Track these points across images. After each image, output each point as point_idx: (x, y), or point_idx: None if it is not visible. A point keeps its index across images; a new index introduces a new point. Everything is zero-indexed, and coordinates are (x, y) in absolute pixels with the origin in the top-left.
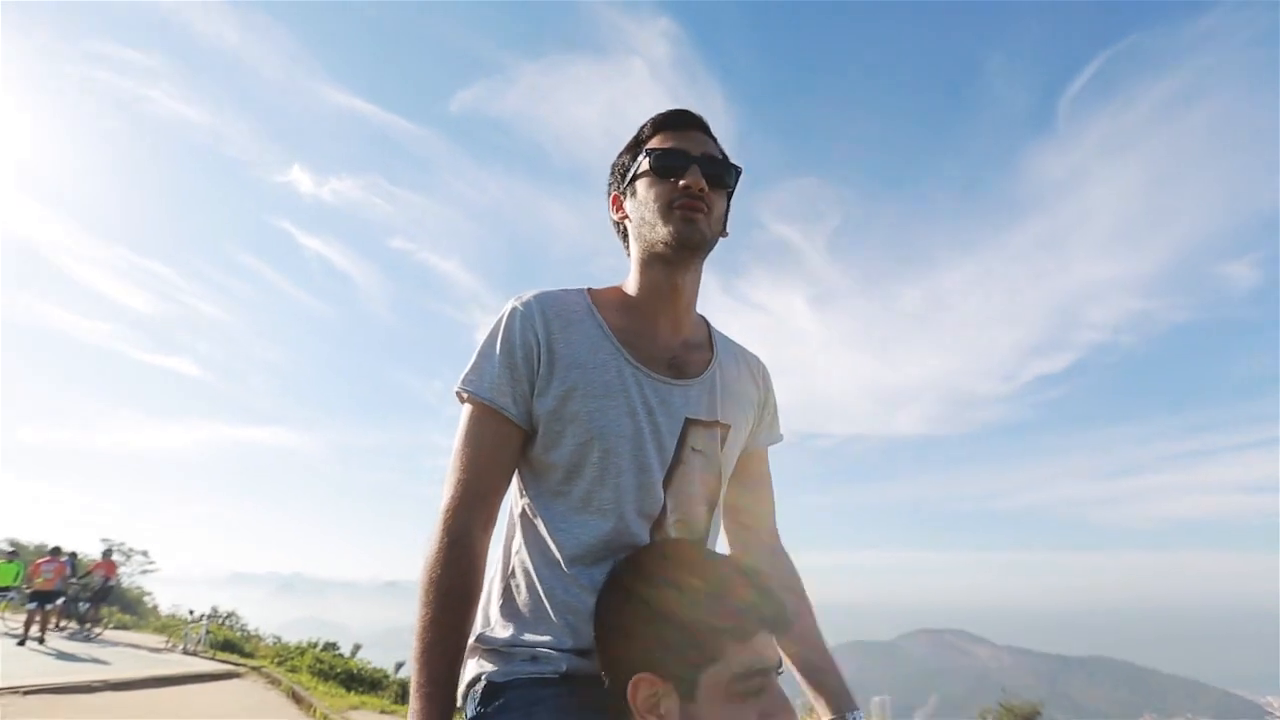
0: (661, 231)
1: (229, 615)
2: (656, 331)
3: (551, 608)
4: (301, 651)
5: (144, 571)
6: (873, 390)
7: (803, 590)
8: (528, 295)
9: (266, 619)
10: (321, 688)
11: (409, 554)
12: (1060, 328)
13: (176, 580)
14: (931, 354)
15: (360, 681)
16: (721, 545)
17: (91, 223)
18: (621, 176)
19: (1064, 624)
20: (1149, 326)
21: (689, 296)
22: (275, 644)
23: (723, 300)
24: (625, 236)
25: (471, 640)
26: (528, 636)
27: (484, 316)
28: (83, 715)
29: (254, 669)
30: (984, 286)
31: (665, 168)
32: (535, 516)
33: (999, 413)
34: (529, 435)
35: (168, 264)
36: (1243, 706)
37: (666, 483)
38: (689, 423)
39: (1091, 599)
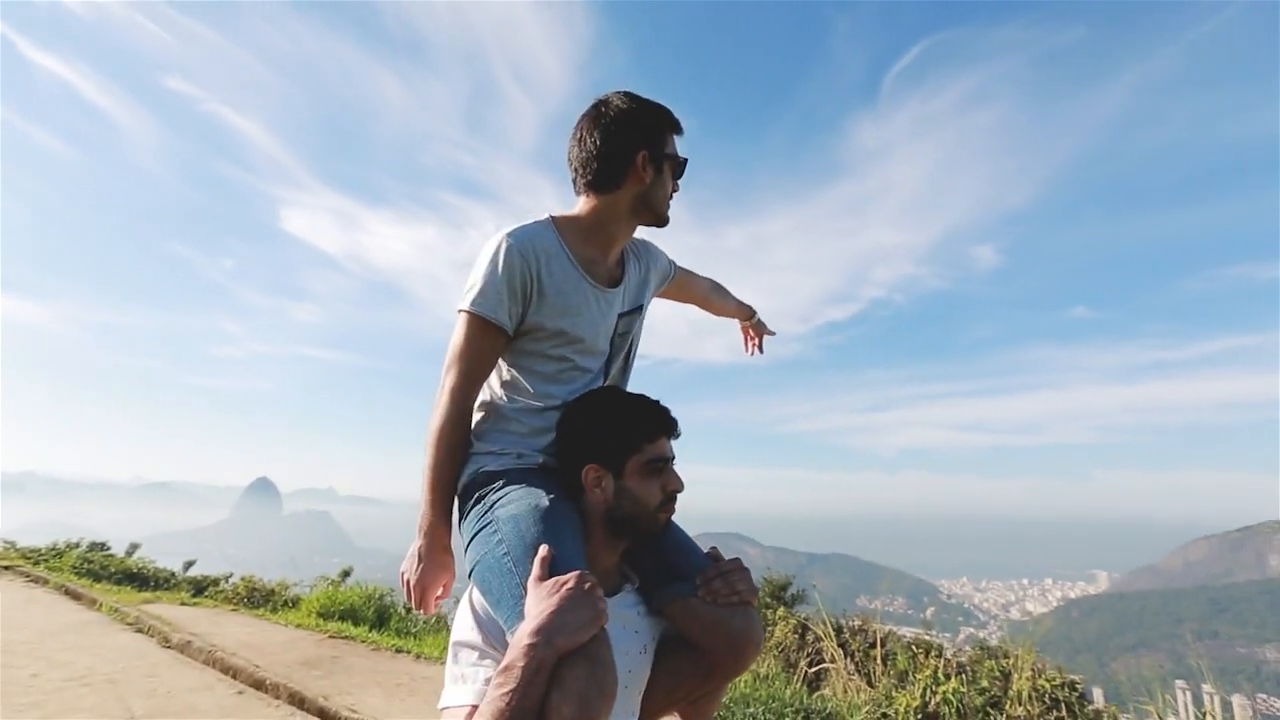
0: (661, 211)
1: None
2: (607, 257)
3: (528, 428)
4: (58, 553)
5: None
6: (689, 318)
7: (720, 284)
8: (516, 231)
9: None
10: (98, 587)
11: (185, 453)
12: (851, 282)
13: None
14: (744, 291)
15: (143, 581)
16: (635, 379)
17: None
18: (657, 146)
19: (814, 528)
20: (915, 289)
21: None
22: (7, 548)
23: None
24: (621, 175)
25: (469, 452)
26: (512, 443)
27: (296, 194)
28: None
29: (3, 568)
30: (798, 236)
31: (680, 173)
32: (519, 373)
33: (793, 350)
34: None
35: None
36: (926, 588)
37: (606, 364)
38: (619, 316)
39: (837, 509)
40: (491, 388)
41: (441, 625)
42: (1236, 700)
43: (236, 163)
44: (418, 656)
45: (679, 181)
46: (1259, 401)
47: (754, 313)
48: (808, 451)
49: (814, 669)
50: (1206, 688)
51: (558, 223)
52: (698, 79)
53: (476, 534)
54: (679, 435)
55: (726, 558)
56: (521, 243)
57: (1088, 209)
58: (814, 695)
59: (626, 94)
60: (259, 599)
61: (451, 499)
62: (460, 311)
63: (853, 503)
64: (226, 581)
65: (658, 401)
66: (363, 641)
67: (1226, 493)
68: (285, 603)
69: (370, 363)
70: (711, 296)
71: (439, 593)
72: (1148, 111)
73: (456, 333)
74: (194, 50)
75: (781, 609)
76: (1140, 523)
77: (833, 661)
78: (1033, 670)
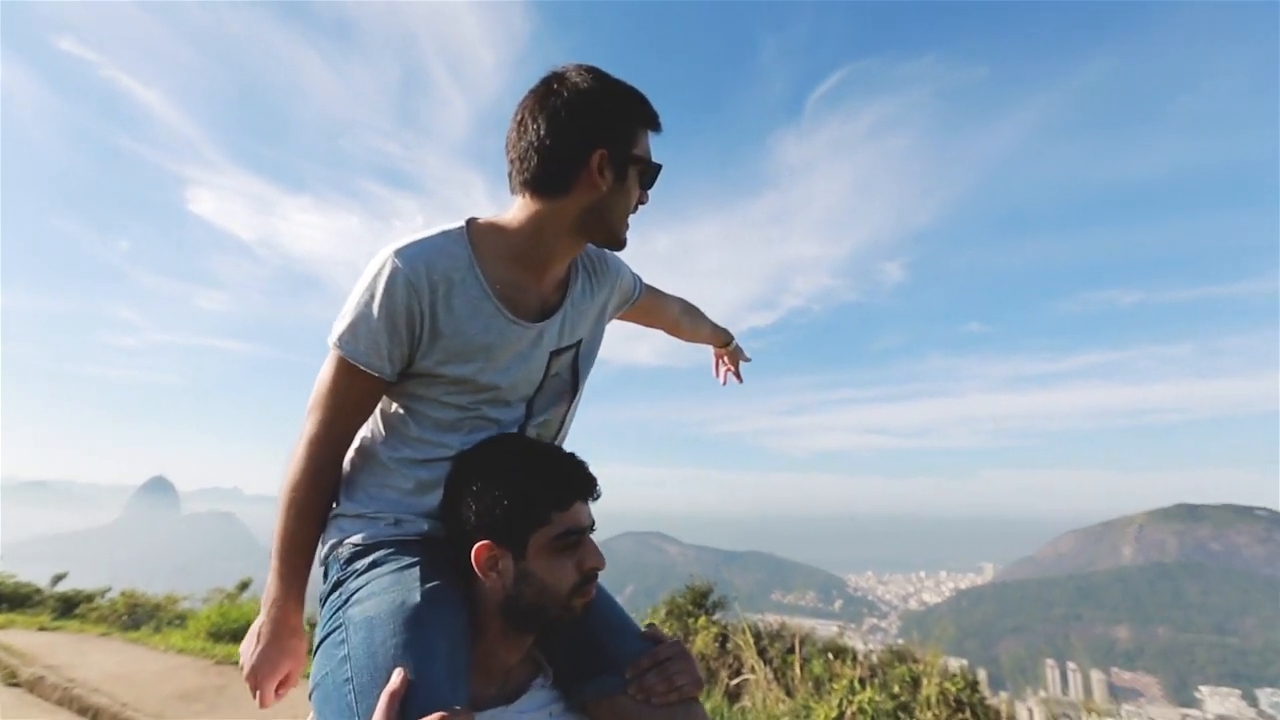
0: (618, 230)
1: None
2: (540, 280)
3: (413, 483)
4: None
5: None
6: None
7: (693, 306)
8: (408, 249)
9: None
10: None
11: (70, 451)
12: (773, 290)
13: None
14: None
15: (1, 599)
16: (573, 439)
17: None
18: (620, 144)
19: (734, 526)
20: (830, 300)
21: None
22: None
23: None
24: (570, 178)
25: (334, 512)
26: (390, 504)
27: (205, 174)
28: None
29: None
30: (724, 244)
31: (650, 182)
32: (407, 415)
33: None
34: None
35: None
36: (835, 582)
37: (530, 405)
38: (551, 355)
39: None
40: (370, 430)
41: None
42: (1095, 675)
43: (138, 136)
44: None
45: (648, 193)
46: (1120, 410)
47: (731, 338)
48: (729, 452)
49: (735, 680)
50: (1071, 665)
51: (475, 233)
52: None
53: (323, 640)
54: (598, 496)
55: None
56: (412, 267)
57: (983, 232)
58: (734, 708)
59: (589, 70)
60: (141, 617)
61: (306, 569)
62: (330, 347)
63: (770, 502)
64: (103, 597)
65: (571, 455)
66: None
67: (1092, 490)
68: (171, 620)
69: (284, 355)
70: (683, 321)
71: (280, 682)
72: (1036, 148)
73: (324, 369)
74: (92, 11)
75: (703, 617)
76: (1021, 518)
77: (752, 672)
78: (940, 674)
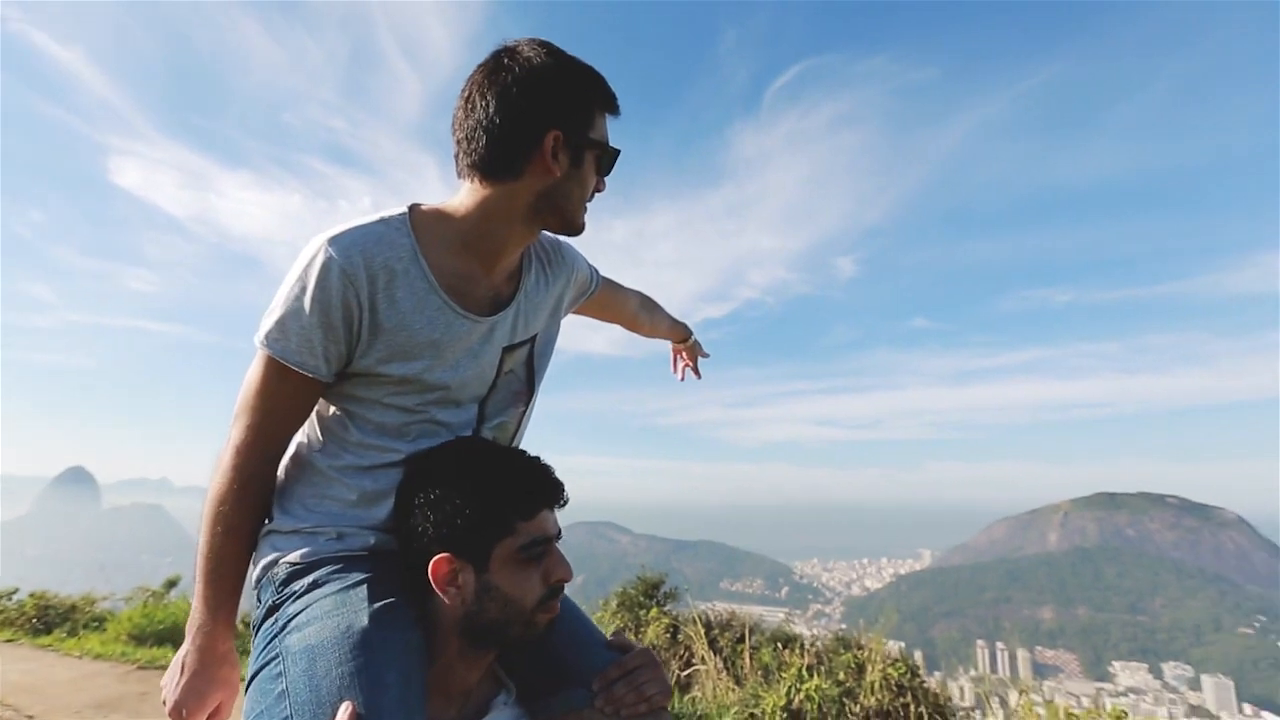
0: (573, 216)
1: None
2: (490, 270)
3: (356, 494)
4: None
5: None
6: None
7: (652, 300)
8: (343, 236)
9: None
10: None
11: None
12: (728, 282)
13: None
14: (627, 284)
15: None
16: (529, 436)
17: None
18: (577, 126)
19: (685, 516)
20: (785, 293)
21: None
22: None
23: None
24: (522, 160)
25: (266, 528)
26: (331, 517)
27: (131, 143)
28: None
29: None
30: (680, 235)
31: (608, 168)
32: (347, 419)
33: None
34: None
35: None
36: (782, 570)
37: (482, 407)
38: (504, 351)
39: (707, 498)
40: (305, 435)
41: None
42: (1021, 654)
43: (54, 99)
44: None
45: (605, 180)
46: (1050, 404)
47: (690, 334)
48: (682, 443)
49: (686, 671)
50: (1000, 645)
51: (419, 221)
52: None
53: (258, 672)
54: (565, 503)
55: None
56: (348, 257)
57: (932, 230)
58: (685, 699)
59: (544, 46)
60: (54, 620)
61: (235, 591)
62: (258, 345)
63: (721, 493)
64: (10, 599)
65: (536, 459)
66: None
67: (1022, 481)
68: (88, 623)
69: (219, 340)
70: (641, 316)
71: (210, 715)
72: (982, 150)
73: (252, 370)
74: None
75: (654, 609)
76: (958, 507)
77: (703, 662)
78: (883, 660)
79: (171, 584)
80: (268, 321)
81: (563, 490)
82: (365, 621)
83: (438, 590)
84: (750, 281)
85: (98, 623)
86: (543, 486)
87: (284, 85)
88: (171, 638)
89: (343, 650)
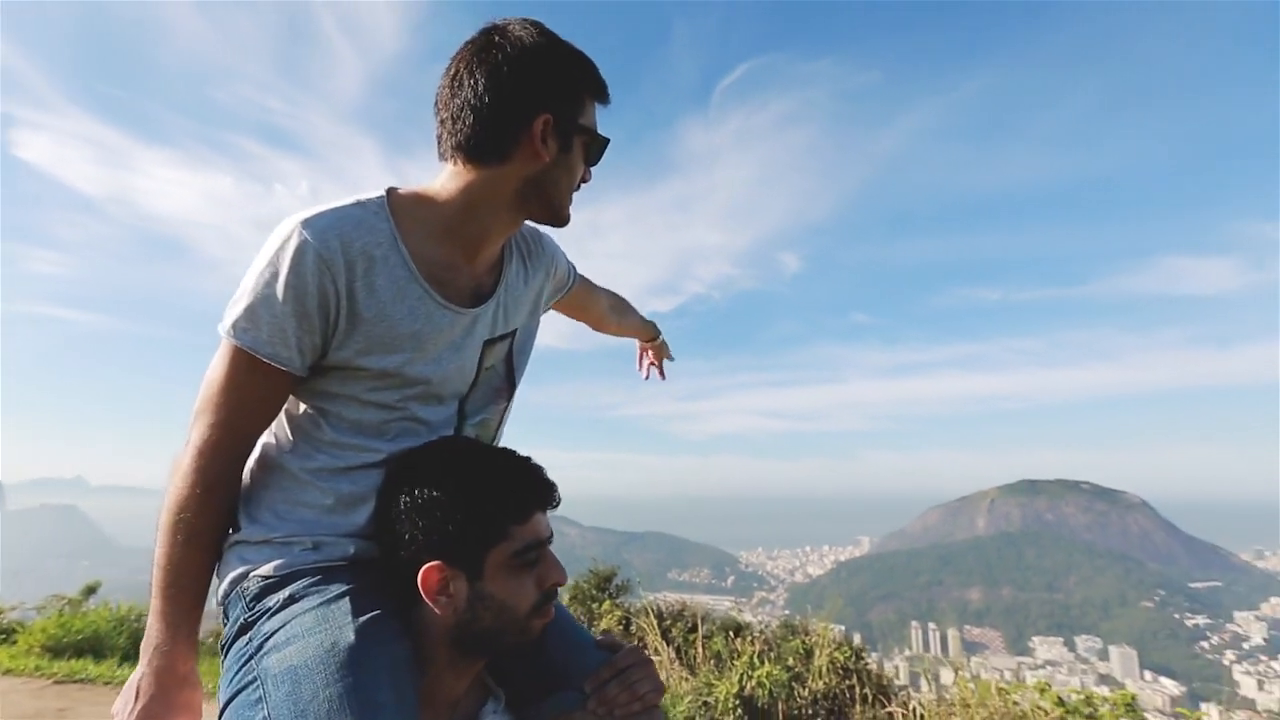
0: (561, 205)
1: None
2: (472, 260)
3: (333, 499)
4: None
5: None
6: None
7: (622, 299)
8: (319, 220)
9: None
10: None
11: None
12: (676, 276)
13: None
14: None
15: None
16: (509, 433)
17: None
18: (568, 111)
19: (634, 508)
20: (730, 288)
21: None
22: None
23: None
24: (510, 144)
25: (232, 539)
26: (305, 524)
27: (37, 114)
28: None
29: None
30: (630, 227)
31: (597, 157)
32: (321, 417)
33: (623, 339)
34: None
35: None
36: (728, 559)
37: (463, 404)
38: (485, 344)
39: (655, 490)
40: (274, 436)
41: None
42: (951, 633)
43: None
44: None
45: (591, 170)
46: (978, 396)
47: (658, 333)
48: (631, 436)
49: None
50: (933, 625)
51: (397, 205)
52: None
53: (233, 698)
54: (558, 504)
55: (620, 638)
56: (324, 240)
57: (873, 229)
58: None
59: (536, 26)
60: None
61: (196, 607)
62: (223, 336)
63: (670, 484)
64: None
65: (528, 459)
66: (107, 683)
67: (953, 469)
68: None
69: (138, 328)
70: (610, 315)
71: None
72: (919, 154)
73: (215, 364)
74: None
75: (607, 601)
76: (895, 495)
77: (657, 653)
78: (829, 644)
79: (91, 590)
80: (235, 310)
81: (555, 492)
82: (351, 637)
83: (428, 600)
84: (697, 275)
85: (5, 635)
86: (535, 488)
87: (212, 59)
88: (92, 649)
89: (329, 670)
